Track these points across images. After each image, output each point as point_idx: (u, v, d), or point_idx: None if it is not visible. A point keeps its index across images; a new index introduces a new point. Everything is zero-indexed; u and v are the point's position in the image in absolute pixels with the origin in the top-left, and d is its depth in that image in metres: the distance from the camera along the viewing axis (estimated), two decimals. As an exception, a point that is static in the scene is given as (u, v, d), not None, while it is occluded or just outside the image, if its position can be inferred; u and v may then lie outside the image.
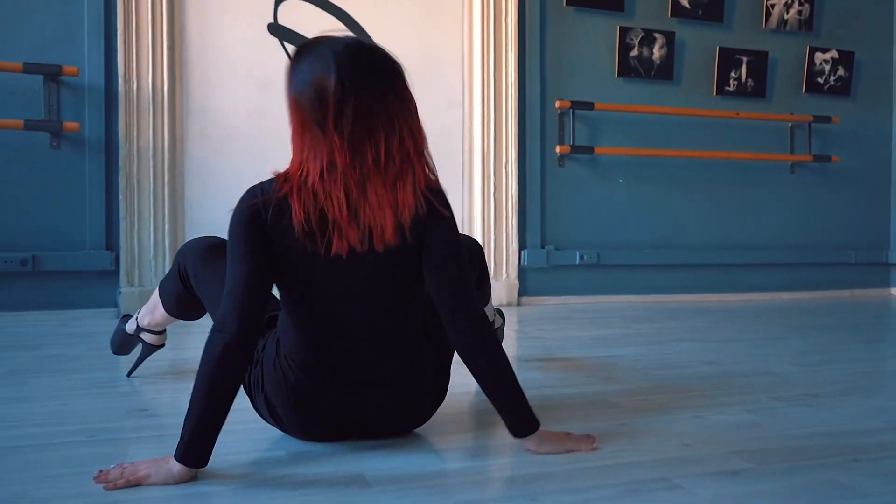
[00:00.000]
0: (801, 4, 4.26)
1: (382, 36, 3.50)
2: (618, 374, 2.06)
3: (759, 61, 4.16)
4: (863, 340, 2.84)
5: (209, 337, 1.20)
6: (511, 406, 1.31)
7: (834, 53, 4.30)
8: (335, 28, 3.44)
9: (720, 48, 4.07)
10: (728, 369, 2.14)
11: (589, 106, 3.73)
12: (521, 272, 3.75)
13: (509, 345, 2.66)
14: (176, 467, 1.17)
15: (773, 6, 4.20)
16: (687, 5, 4.01)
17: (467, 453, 1.37)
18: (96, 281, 3.09)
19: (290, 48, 3.38)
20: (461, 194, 3.67)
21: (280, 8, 3.41)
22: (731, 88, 4.12)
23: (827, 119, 4.23)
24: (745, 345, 2.61)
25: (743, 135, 4.14)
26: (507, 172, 3.67)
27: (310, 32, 3.38)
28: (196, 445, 1.17)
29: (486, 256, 3.52)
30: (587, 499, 1.13)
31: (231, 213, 1.26)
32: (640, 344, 2.59)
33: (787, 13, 4.24)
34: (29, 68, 2.91)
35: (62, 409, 1.63)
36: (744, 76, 4.14)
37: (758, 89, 4.16)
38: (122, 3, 3.09)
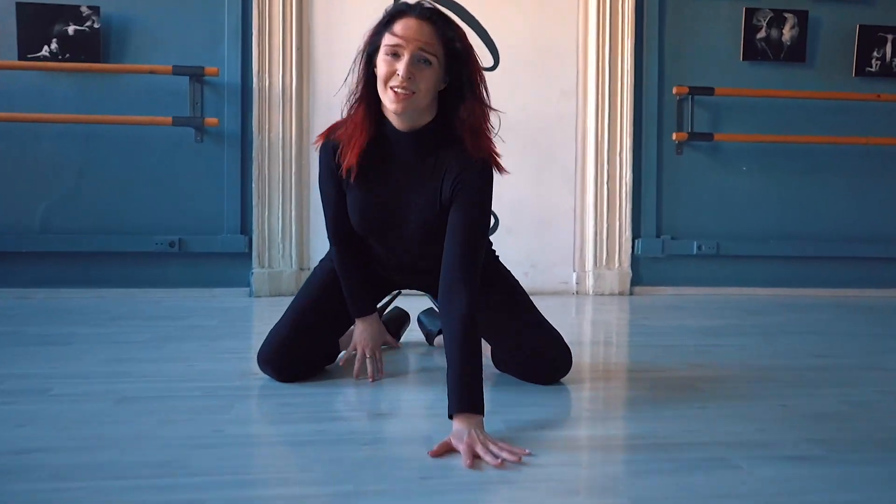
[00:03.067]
0: (959, -26, 3.87)
1: (496, 28, 3.58)
2: (710, 362, 2.03)
3: (908, 38, 3.83)
4: None
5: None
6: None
7: None
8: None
9: (860, 26, 3.79)
10: (833, 363, 2.05)
11: (709, 91, 3.61)
12: (635, 261, 3.71)
13: (615, 328, 2.67)
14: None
15: (925, -23, 3.86)
16: (822, -18, 3.77)
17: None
18: (232, 262, 3.41)
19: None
20: (574, 182, 3.69)
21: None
22: (874, 69, 3.83)
23: None
24: (867, 340, 2.47)
25: (888, 118, 3.84)
26: (620, 161, 3.64)
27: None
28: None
29: (598, 244, 3.56)
30: (627, 470, 1.17)
31: None
32: (748, 335, 2.52)
33: (943, -16, 3.87)
34: (177, 70, 3.25)
35: (189, 370, 1.86)
36: (888, 55, 3.83)
37: (905, 68, 3.84)
38: (257, 10, 3.37)
